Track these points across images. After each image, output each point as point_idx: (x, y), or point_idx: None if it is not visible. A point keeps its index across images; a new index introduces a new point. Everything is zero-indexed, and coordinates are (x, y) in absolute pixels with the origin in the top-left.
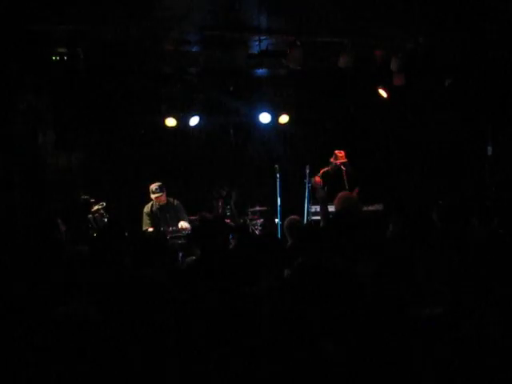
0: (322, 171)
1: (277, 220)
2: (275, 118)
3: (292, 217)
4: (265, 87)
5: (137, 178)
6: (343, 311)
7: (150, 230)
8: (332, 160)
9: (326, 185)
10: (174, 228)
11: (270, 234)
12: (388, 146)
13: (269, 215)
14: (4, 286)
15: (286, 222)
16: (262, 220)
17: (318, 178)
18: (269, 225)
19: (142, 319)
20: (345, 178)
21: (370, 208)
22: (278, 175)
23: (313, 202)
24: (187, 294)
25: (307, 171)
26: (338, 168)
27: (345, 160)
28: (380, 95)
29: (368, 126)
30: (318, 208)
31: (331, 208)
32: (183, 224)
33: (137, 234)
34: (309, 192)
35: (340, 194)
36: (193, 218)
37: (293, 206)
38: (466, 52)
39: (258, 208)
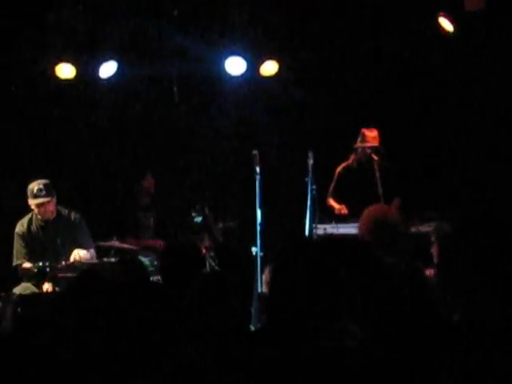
0: (339, 168)
1: (254, 249)
2: (253, 66)
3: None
4: (234, 12)
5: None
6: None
7: (27, 265)
8: (358, 145)
9: (345, 190)
10: (67, 263)
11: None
12: (453, 124)
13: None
14: None
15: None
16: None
17: (336, 205)
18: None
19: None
20: (378, 176)
21: (422, 229)
22: (257, 169)
23: (321, 217)
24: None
25: (310, 162)
26: (366, 159)
27: (378, 145)
28: (441, 28)
29: (417, 87)
30: (330, 228)
31: (347, 228)
32: (80, 254)
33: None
34: (313, 200)
35: (368, 210)
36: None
37: (284, 224)
38: None
39: (220, 226)
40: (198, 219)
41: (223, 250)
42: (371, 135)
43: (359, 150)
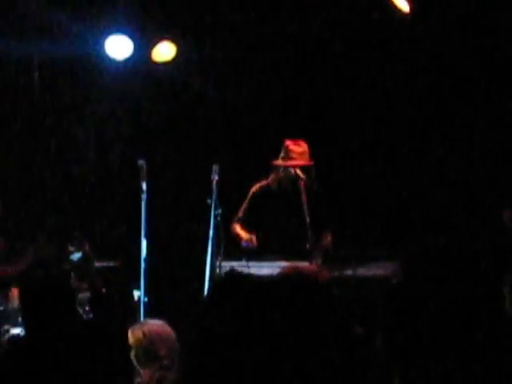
0: (254, 188)
1: (137, 293)
2: (143, 48)
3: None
4: None
5: None
6: None
7: None
8: (279, 162)
9: (260, 217)
10: None
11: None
12: (405, 131)
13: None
14: None
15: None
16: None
17: (243, 234)
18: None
19: None
20: (304, 202)
21: (361, 273)
22: (143, 185)
23: (226, 253)
24: None
25: (214, 178)
26: (291, 180)
27: (308, 162)
28: (396, 9)
29: (363, 81)
30: (239, 267)
31: (261, 268)
32: None
33: None
34: (216, 228)
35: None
36: None
37: (178, 260)
38: None
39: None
40: (76, 256)
41: (98, 296)
42: (298, 150)
43: (281, 169)
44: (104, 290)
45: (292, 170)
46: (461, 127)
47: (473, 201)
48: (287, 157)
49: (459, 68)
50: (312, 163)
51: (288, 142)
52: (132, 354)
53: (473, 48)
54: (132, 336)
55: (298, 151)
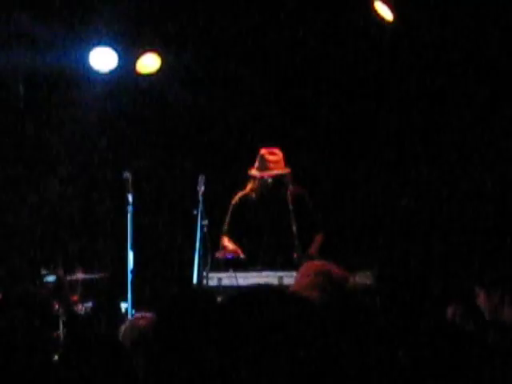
0: (233, 202)
1: (124, 305)
2: (128, 60)
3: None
4: None
5: None
6: None
7: None
8: (254, 173)
9: (243, 228)
10: None
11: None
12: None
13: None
14: None
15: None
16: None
17: (229, 246)
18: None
19: None
20: (290, 209)
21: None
22: (129, 197)
23: (214, 263)
24: None
25: (200, 189)
26: (269, 189)
27: (282, 170)
28: (377, 15)
29: (345, 88)
30: (227, 279)
31: (248, 279)
32: None
33: None
34: (203, 239)
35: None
36: None
37: (165, 272)
38: None
39: (79, 276)
40: (50, 279)
41: (73, 318)
42: (273, 159)
43: (257, 179)
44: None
45: (269, 180)
46: (436, 141)
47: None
48: (263, 167)
49: (442, 75)
50: (288, 170)
51: (263, 151)
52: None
53: (456, 55)
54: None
55: (273, 159)
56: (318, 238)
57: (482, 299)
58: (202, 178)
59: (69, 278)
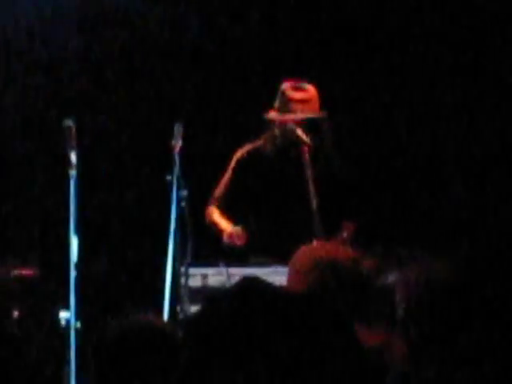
0: (239, 154)
1: (65, 315)
2: None
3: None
4: None
5: None
6: None
7: None
8: (274, 116)
9: (249, 197)
10: None
11: None
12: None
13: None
14: None
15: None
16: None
17: (224, 225)
18: None
19: None
20: (309, 179)
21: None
22: (71, 155)
23: (196, 254)
24: None
25: (177, 144)
26: (290, 142)
27: (316, 113)
28: None
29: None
30: (214, 276)
31: (251, 268)
32: None
33: None
34: (180, 218)
35: (305, 250)
36: None
37: (125, 266)
38: None
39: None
40: None
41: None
42: (301, 97)
43: (276, 124)
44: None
45: (293, 128)
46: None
47: None
48: (286, 107)
49: None
50: (324, 115)
51: (286, 86)
52: None
53: None
54: None
55: (301, 98)
56: (348, 228)
57: None
58: (178, 128)
59: None
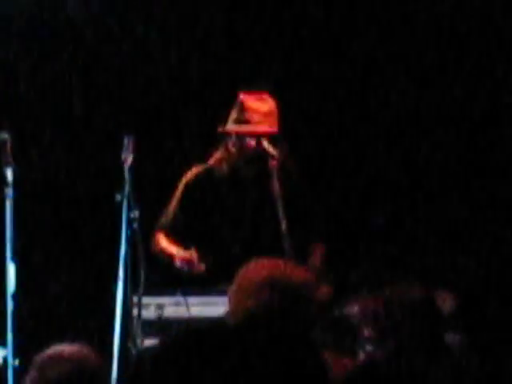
0: (187, 178)
1: (2, 353)
2: None
3: None
4: None
5: None
6: None
7: None
8: (231, 128)
9: (199, 229)
10: None
11: None
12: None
13: None
14: None
15: None
16: None
17: (175, 249)
18: None
19: None
20: (277, 197)
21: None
22: (7, 173)
23: (151, 279)
24: None
25: (127, 158)
26: (251, 159)
27: (275, 128)
28: None
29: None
30: (171, 307)
31: (213, 306)
32: None
33: None
34: (130, 240)
35: (251, 267)
36: None
37: (69, 296)
38: None
39: None
40: None
41: None
42: (261, 109)
43: (233, 138)
44: None
45: (252, 142)
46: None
47: None
48: (243, 119)
49: None
50: (279, 132)
51: (245, 96)
52: None
53: None
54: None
55: (261, 109)
56: (319, 249)
57: None
58: (128, 141)
59: None
